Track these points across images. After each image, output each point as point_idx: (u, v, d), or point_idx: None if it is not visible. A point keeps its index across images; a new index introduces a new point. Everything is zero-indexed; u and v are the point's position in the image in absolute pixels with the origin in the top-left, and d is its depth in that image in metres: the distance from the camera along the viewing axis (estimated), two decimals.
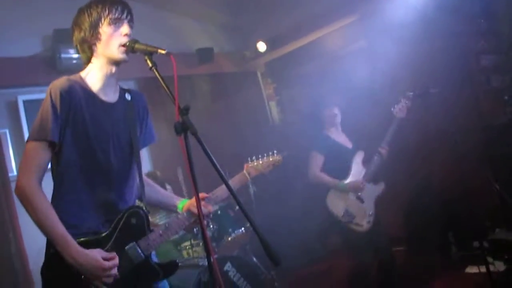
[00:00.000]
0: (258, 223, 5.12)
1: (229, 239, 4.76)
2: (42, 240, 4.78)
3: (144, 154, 5.91)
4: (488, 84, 5.42)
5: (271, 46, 6.95)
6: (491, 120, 5.19)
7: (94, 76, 2.34)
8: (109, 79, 2.36)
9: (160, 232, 2.40)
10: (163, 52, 2.09)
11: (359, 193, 4.32)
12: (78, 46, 2.34)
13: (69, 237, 2.09)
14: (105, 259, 2.12)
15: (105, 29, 2.26)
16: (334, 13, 6.21)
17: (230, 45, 7.39)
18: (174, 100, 1.97)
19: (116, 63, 2.33)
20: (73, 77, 2.32)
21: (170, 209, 2.71)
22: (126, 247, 2.28)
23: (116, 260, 2.17)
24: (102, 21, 2.25)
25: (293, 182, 5.66)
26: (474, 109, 5.13)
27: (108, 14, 2.25)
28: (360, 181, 4.30)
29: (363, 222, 4.23)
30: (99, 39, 2.27)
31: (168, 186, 5.42)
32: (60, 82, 2.22)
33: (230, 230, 4.82)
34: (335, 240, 5.05)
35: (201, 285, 3.84)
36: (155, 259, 2.47)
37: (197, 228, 3.84)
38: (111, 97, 2.40)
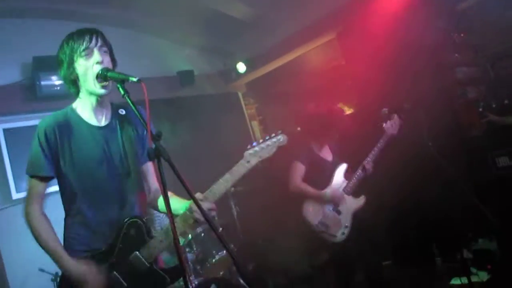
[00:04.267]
0: (244, 242, 5.15)
1: (214, 261, 4.77)
2: (25, 273, 4.80)
3: None
4: (465, 96, 5.54)
5: (251, 67, 7.06)
6: (469, 132, 5.30)
7: (82, 106, 2.56)
8: (95, 108, 2.56)
9: (160, 238, 2.50)
10: (134, 80, 2.17)
11: (337, 205, 4.37)
12: (65, 83, 2.53)
13: (59, 252, 2.37)
14: (91, 272, 2.35)
15: (79, 62, 2.42)
16: (312, 32, 6.35)
17: (211, 67, 7.49)
18: (147, 127, 2.04)
19: (97, 96, 2.49)
20: (63, 110, 2.57)
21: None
22: (130, 257, 2.45)
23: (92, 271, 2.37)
24: (75, 56, 2.41)
25: (277, 198, 5.70)
26: (451, 122, 5.24)
27: (78, 47, 2.39)
28: (340, 192, 4.37)
29: (337, 233, 4.29)
30: (78, 73, 2.44)
31: None
32: (46, 121, 2.48)
33: (214, 252, 4.82)
34: (323, 257, 5.08)
35: None
36: (162, 264, 2.63)
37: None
38: (101, 120, 2.59)
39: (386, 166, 4.74)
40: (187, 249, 4.72)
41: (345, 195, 4.41)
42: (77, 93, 2.54)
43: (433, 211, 5.18)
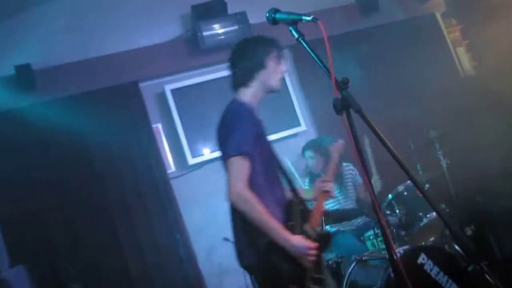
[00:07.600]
0: (458, 200, 5.00)
1: (422, 225, 4.69)
2: (210, 242, 5.34)
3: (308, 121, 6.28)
4: None
5: None
6: None
7: (252, 100, 3.19)
8: (259, 103, 3.25)
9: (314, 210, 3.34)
10: (309, 18, 2.19)
11: None
12: (238, 70, 3.23)
13: (281, 227, 2.91)
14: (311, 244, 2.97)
15: (271, 62, 3.16)
16: None
17: None
18: (330, 74, 2.05)
19: (270, 92, 3.25)
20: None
21: None
22: (305, 229, 3.10)
23: (316, 244, 2.97)
24: (269, 56, 3.17)
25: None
26: None
27: (274, 51, 3.19)
28: None
29: None
30: (265, 68, 3.15)
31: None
32: (248, 106, 3.15)
33: (421, 214, 4.72)
34: None
35: (391, 282, 3.84)
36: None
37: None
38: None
39: None
40: (387, 212, 4.73)
41: None
42: (244, 82, 3.19)
43: None
